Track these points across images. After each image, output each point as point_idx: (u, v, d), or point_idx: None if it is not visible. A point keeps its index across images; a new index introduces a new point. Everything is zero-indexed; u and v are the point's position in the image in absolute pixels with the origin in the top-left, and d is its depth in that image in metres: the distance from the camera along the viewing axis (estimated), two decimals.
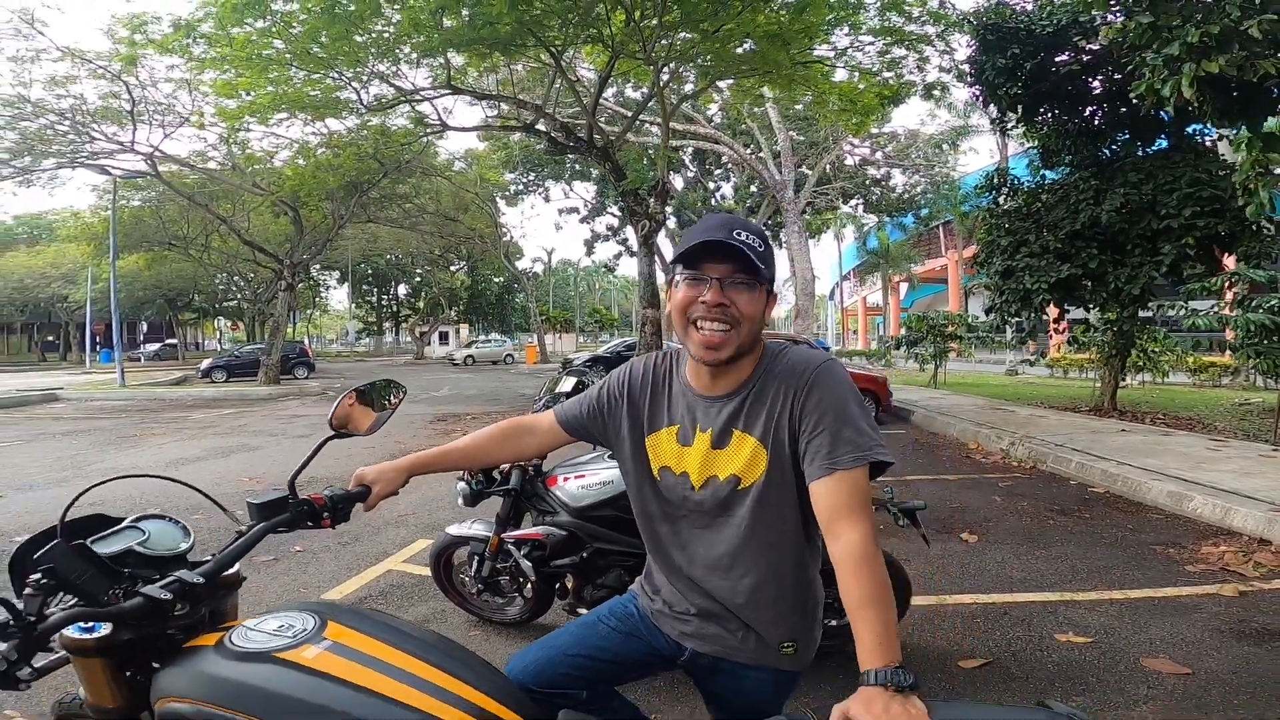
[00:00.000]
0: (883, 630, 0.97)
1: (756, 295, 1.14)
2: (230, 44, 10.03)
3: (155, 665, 1.00)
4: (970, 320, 18.79)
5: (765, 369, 1.20)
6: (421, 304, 48.82)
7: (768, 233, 1.20)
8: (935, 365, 16.37)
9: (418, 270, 46.30)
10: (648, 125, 18.09)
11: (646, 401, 1.30)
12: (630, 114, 14.94)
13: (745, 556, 1.21)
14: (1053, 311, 10.43)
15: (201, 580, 1.03)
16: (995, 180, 10.61)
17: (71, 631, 0.96)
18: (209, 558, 1.12)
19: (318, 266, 38.51)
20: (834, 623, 2.59)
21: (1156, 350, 13.48)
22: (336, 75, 11.52)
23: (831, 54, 12.36)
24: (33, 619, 0.89)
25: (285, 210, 20.12)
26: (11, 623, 0.88)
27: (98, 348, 35.42)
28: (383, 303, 54.64)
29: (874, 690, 0.90)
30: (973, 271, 15.41)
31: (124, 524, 1.14)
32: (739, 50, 11.33)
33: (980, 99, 9.95)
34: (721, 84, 15.20)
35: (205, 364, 24.11)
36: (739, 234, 1.12)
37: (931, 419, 10.09)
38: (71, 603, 0.99)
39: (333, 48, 10.31)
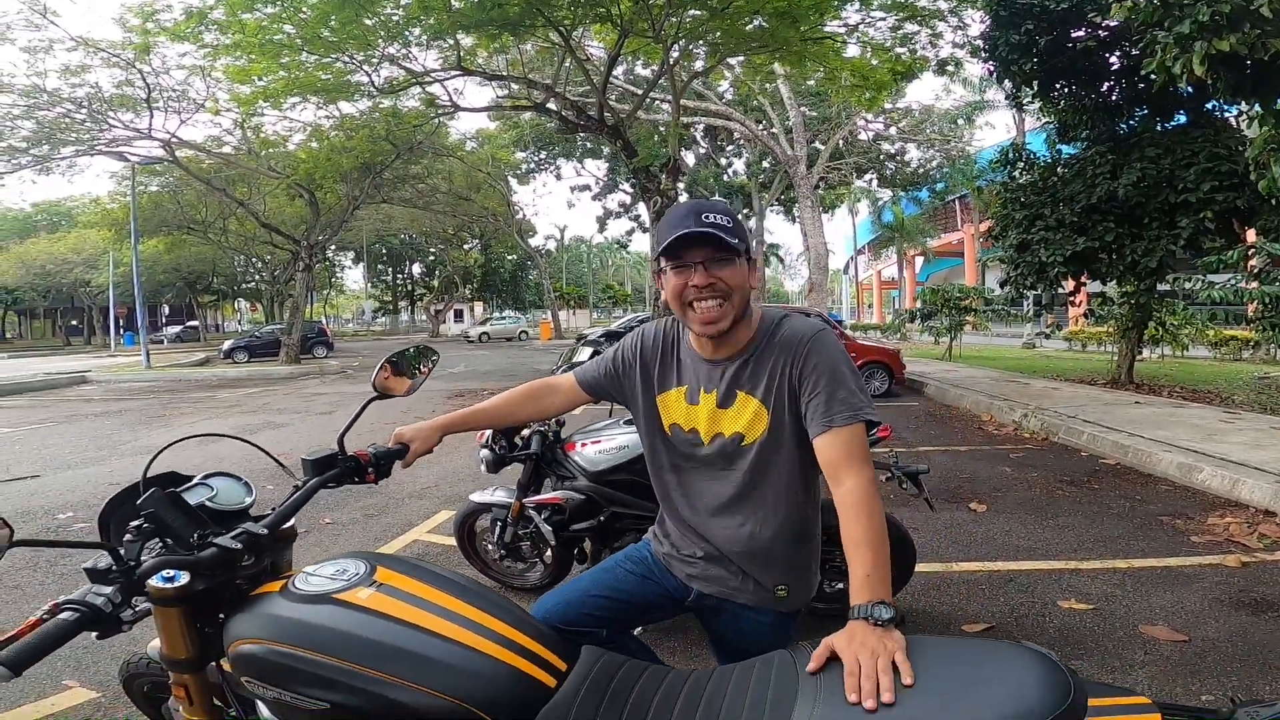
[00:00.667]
0: (872, 568, 1.09)
1: (737, 267, 1.25)
2: (241, 30, 10.10)
3: (222, 616, 1.11)
4: (986, 293, 18.60)
5: (765, 335, 1.32)
6: (436, 283, 49.09)
7: (744, 209, 1.30)
8: (950, 338, 16.31)
9: (432, 249, 46.49)
10: (659, 103, 17.94)
11: (657, 364, 1.43)
12: (641, 92, 14.86)
13: (744, 506, 1.34)
14: (1069, 285, 10.36)
15: (266, 532, 1.14)
16: (1010, 155, 10.52)
17: (155, 581, 1.07)
18: (269, 512, 1.23)
19: (333, 247, 38.76)
20: (840, 586, 2.71)
21: (1175, 323, 13.33)
22: (347, 59, 11.56)
23: (843, 30, 12.20)
24: (133, 564, 1.02)
25: (300, 193, 20.28)
26: (114, 568, 1.00)
27: (121, 331, 36.02)
28: (398, 282, 54.93)
29: (858, 623, 1.01)
30: (989, 245, 15.23)
31: (195, 481, 1.25)
32: (749, 27, 11.22)
33: (994, 75, 9.85)
34: (732, 61, 15.05)
35: (227, 345, 24.56)
36: (707, 217, 1.23)
37: (945, 391, 10.13)
38: (156, 551, 1.09)
39: (342, 31, 10.35)
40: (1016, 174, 10.52)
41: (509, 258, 47.94)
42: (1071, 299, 11.18)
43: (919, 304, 18.30)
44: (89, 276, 36.20)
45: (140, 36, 12.54)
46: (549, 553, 3.01)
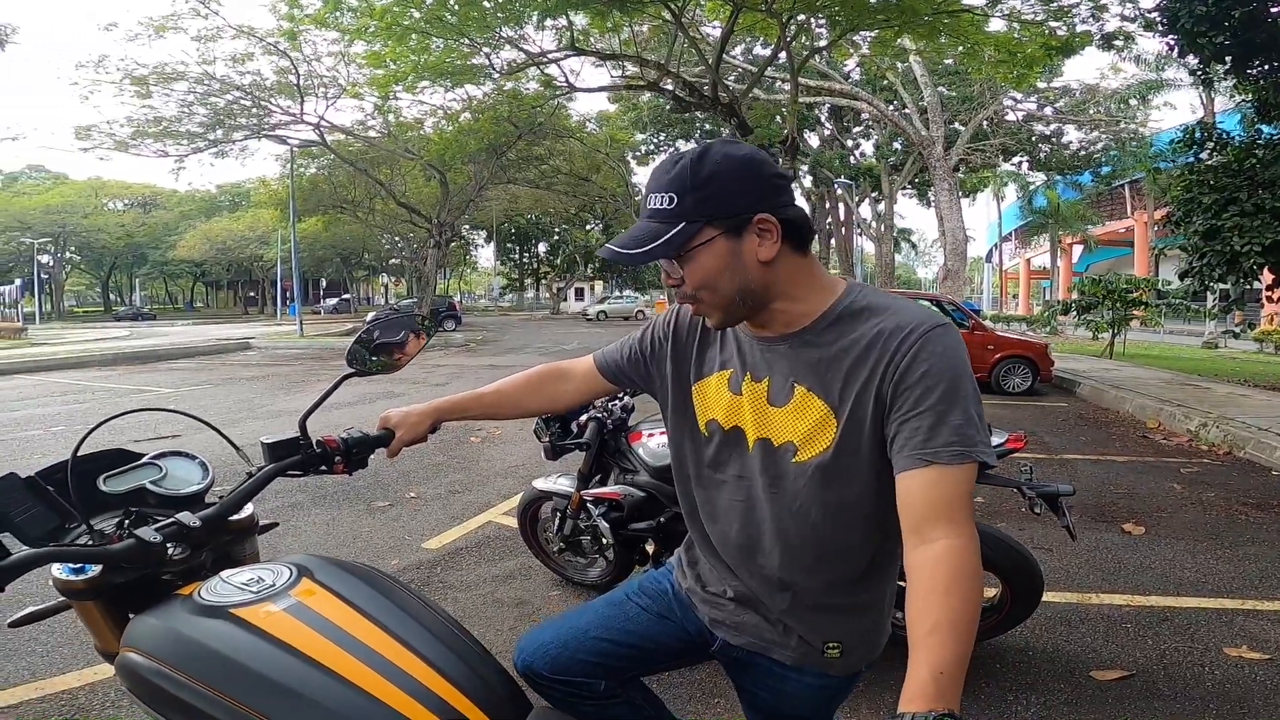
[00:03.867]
0: (948, 666, 0.73)
1: (701, 253, 0.90)
2: (372, 15, 10.67)
3: (131, 615, 0.98)
4: (1161, 285, 16.45)
5: (843, 314, 0.95)
6: (559, 261, 50.47)
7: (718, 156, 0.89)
8: (1113, 333, 14.52)
9: (556, 229, 47.76)
10: (779, 84, 17.18)
11: (695, 343, 1.09)
12: (758, 69, 14.26)
13: (791, 540, 1.00)
14: (1266, 278, 8.97)
15: (198, 524, 0.98)
16: (1198, 135, 9.16)
17: (61, 572, 0.95)
18: (216, 500, 1.09)
19: (467, 226, 40.79)
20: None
21: None
22: (470, 42, 11.93)
23: (983, 1, 10.95)
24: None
25: (434, 174, 21.39)
26: None
27: (288, 302, 39.99)
28: (524, 260, 57.05)
29: None
30: (1165, 234, 13.27)
31: (143, 460, 1.13)
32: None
33: (1175, 49, 8.58)
34: (858, 38, 14.03)
35: (369, 317, 26.61)
36: (650, 201, 0.92)
37: (1102, 392, 8.94)
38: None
39: (462, 13, 10.73)
40: (1205, 155, 9.18)
41: None
42: (1269, 294, 9.62)
43: (1075, 295, 16.48)
44: (261, 252, 40.50)
45: (288, 23, 13.58)
46: (611, 549, 2.76)
